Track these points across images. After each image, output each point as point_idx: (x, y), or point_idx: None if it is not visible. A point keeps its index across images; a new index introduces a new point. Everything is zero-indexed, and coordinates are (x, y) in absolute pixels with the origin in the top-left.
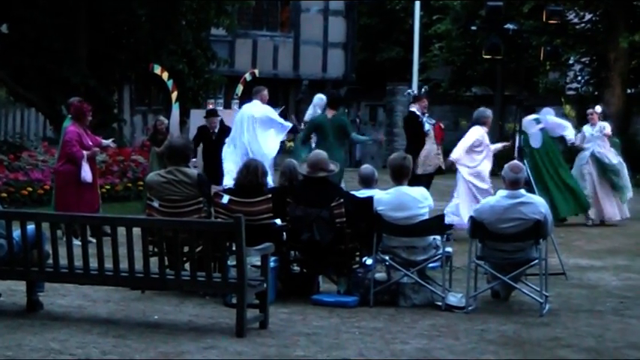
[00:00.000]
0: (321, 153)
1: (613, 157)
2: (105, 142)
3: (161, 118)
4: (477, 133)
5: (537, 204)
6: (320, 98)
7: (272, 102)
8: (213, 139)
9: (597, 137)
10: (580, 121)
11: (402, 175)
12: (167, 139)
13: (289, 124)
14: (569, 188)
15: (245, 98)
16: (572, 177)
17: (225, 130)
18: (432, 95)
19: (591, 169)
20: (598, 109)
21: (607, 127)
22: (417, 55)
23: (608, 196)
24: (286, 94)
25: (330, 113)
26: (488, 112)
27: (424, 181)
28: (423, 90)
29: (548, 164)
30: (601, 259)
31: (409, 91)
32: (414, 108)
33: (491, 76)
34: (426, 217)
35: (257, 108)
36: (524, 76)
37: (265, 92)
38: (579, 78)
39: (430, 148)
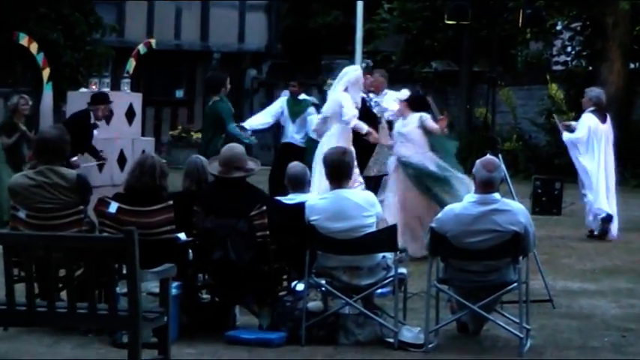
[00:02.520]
0: (237, 147)
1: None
2: None
3: (25, 96)
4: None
5: (516, 211)
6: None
7: (174, 81)
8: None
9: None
10: (571, 106)
11: (342, 174)
12: (30, 129)
13: None
14: None
15: (139, 75)
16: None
17: (75, 117)
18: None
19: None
20: (404, 93)
21: (425, 119)
22: (361, 20)
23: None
24: (192, 71)
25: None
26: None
27: (372, 184)
28: (364, 65)
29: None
30: (596, 282)
31: (368, 62)
32: None
33: (455, 47)
34: (373, 228)
35: None
36: (498, 47)
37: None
38: (568, 49)
39: (385, 142)
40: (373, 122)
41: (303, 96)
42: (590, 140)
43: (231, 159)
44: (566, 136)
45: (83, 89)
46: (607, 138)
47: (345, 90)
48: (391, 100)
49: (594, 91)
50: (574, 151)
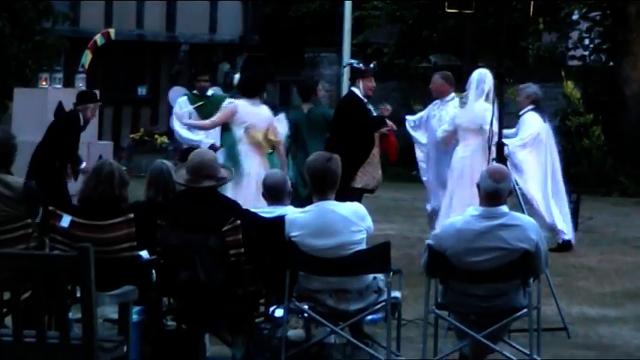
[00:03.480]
0: (207, 152)
1: None
2: None
3: None
4: None
5: (526, 226)
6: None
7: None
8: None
9: None
10: (589, 107)
11: (327, 184)
12: None
13: None
14: None
15: (95, 69)
16: None
17: (66, 120)
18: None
19: None
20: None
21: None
22: (349, 7)
23: None
24: (157, 65)
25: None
26: None
27: (355, 197)
28: (371, 66)
29: None
30: (617, 307)
31: (351, 62)
32: (356, 89)
33: (457, 39)
34: (363, 245)
35: None
36: (506, 39)
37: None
38: (586, 42)
39: (376, 152)
40: (371, 128)
41: (210, 91)
42: (537, 142)
43: (201, 166)
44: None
45: (45, 85)
46: (552, 138)
47: (487, 98)
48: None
49: (532, 87)
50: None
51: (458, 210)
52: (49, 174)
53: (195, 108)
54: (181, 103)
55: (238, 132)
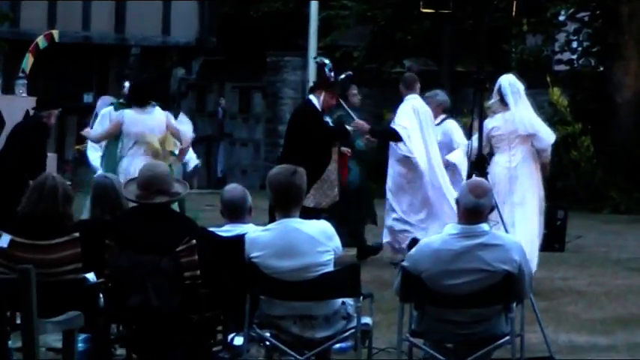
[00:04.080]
0: (159, 165)
1: None
2: None
3: None
4: None
5: (508, 247)
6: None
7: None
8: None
9: None
10: (577, 115)
11: (291, 200)
12: None
13: None
14: None
15: (37, 74)
16: None
17: (34, 128)
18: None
19: None
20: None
21: None
22: (316, 7)
23: None
24: (105, 69)
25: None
26: None
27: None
28: (343, 76)
29: None
30: (608, 335)
31: (324, 61)
32: (314, 98)
33: (434, 42)
34: (331, 267)
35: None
36: (487, 41)
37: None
38: (574, 45)
39: (333, 167)
40: (328, 140)
41: (103, 100)
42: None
43: (153, 180)
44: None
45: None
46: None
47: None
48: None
49: (441, 95)
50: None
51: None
52: (17, 186)
53: None
54: (105, 115)
55: (128, 142)
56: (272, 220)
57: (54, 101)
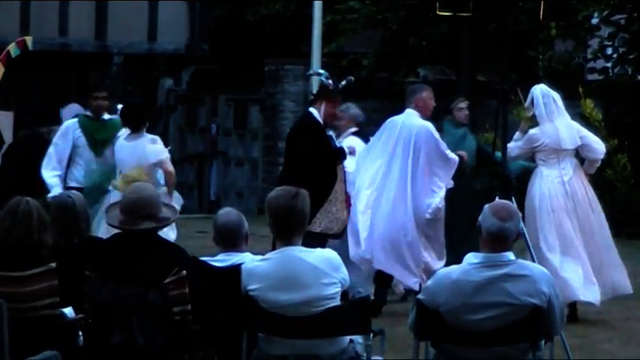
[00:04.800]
0: (146, 188)
1: None
2: None
3: None
4: None
5: (536, 277)
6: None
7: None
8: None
9: None
10: (612, 130)
11: (293, 226)
12: None
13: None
14: None
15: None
16: None
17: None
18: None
19: None
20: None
21: None
22: (320, 9)
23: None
24: (84, 80)
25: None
26: None
27: (316, 242)
28: (344, 83)
29: None
30: None
31: (319, 72)
32: (315, 110)
33: (452, 48)
34: (337, 301)
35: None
36: (512, 48)
37: (425, 94)
38: (608, 51)
39: (339, 187)
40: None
41: (107, 115)
42: None
43: (138, 204)
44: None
45: None
46: None
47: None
48: None
49: (354, 108)
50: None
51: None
52: None
53: (85, 134)
54: (68, 128)
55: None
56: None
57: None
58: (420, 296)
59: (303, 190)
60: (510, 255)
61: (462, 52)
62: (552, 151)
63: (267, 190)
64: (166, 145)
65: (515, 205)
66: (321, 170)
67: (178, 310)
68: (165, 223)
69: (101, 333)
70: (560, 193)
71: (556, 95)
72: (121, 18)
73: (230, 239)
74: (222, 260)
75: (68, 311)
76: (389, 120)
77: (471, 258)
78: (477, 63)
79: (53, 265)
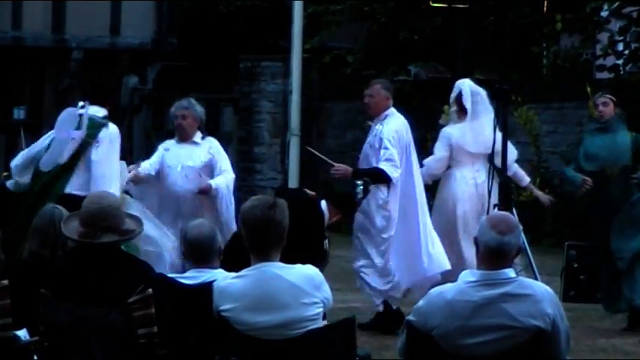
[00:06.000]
0: (108, 197)
1: None
2: None
3: None
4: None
5: (539, 297)
6: None
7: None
8: None
9: None
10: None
11: (270, 240)
12: None
13: None
14: None
15: None
16: None
17: None
18: (331, 79)
19: None
20: None
21: None
22: (300, 2)
23: None
24: (40, 78)
25: None
26: None
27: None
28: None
29: None
30: None
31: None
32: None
33: (446, 43)
34: (319, 323)
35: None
36: (513, 43)
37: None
38: (619, 47)
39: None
40: None
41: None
42: None
43: (99, 215)
44: None
45: None
46: None
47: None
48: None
49: (198, 106)
50: None
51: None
52: None
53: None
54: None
55: None
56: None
57: None
58: (410, 317)
59: (281, 200)
60: (510, 272)
61: (458, 48)
62: (467, 151)
63: (242, 200)
64: (130, 152)
65: (515, 217)
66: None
67: (143, 333)
68: (129, 236)
69: (58, 358)
70: (474, 196)
71: (483, 92)
72: (81, 10)
73: (201, 254)
74: (192, 277)
75: (22, 333)
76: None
77: (467, 275)
78: (474, 60)
79: (5, 282)
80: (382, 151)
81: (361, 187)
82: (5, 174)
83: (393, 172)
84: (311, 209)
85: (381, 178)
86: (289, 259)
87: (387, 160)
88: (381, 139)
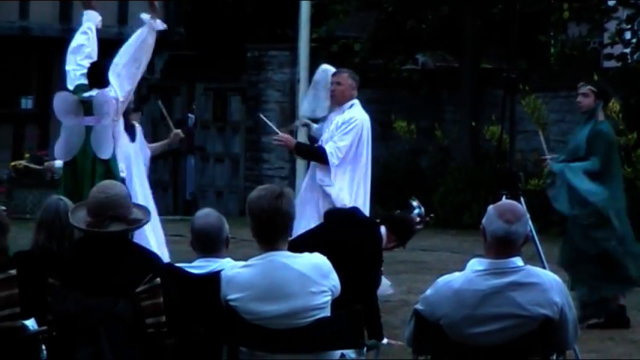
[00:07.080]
0: (115, 186)
1: None
2: None
3: None
4: None
5: (547, 285)
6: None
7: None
8: None
9: None
10: (633, 122)
11: (277, 229)
12: None
13: None
14: None
15: None
16: None
17: None
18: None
19: None
20: None
21: None
22: None
23: None
24: (47, 68)
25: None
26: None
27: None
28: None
29: None
30: None
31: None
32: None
33: (454, 32)
34: (327, 312)
35: None
36: (520, 32)
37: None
38: (627, 36)
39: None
40: None
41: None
42: None
43: (107, 204)
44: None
45: None
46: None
47: None
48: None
49: None
50: None
51: None
52: None
53: None
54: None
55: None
56: None
57: None
58: (418, 306)
59: (288, 190)
60: (518, 261)
61: (465, 37)
62: None
63: (249, 189)
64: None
65: (523, 206)
66: None
67: (151, 322)
68: (136, 225)
69: (66, 347)
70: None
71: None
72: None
73: (209, 244)
74: (199, 267)
75: (30, 323)
76: None
77: (474, 264)
78: (482, 49)
79: (13, 272)
80: (337, 135)
81: (419, 210)
82: (27, 156)
83: (333, 159)
84: (370, 233)
85: (319, 157)
86: (346, 283)
87: (337, 147)
88: (343, 124)
